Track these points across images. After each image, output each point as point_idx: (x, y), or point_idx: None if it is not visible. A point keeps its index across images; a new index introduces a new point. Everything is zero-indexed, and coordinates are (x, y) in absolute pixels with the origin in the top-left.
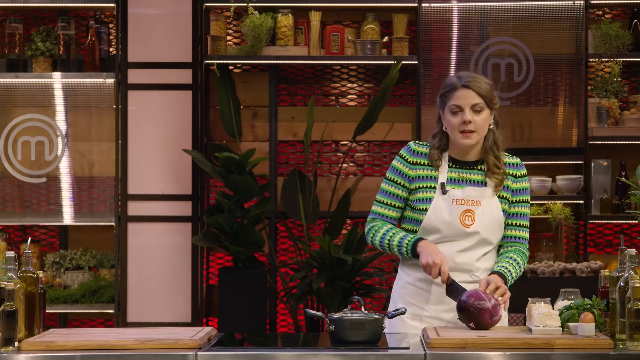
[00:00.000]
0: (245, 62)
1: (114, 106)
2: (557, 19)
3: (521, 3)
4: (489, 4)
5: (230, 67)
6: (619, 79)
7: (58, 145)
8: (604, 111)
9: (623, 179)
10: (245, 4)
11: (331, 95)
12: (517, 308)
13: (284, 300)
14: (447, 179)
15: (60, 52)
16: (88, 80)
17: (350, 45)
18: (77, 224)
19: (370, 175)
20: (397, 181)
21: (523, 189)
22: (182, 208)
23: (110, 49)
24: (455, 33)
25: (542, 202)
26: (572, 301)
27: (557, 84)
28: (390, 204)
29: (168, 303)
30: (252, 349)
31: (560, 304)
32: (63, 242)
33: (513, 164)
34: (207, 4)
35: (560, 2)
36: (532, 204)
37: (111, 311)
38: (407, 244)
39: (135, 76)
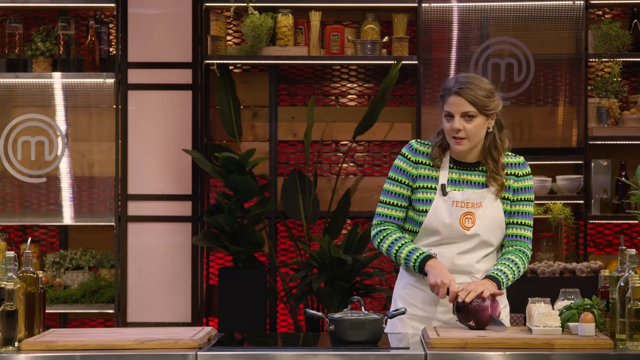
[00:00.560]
0: (245, 62)
1: (114, 106)
2: (557, 19)
3: (521, 3)
4: (489, 4)
5: (230, 67)
6: (619, 79)
7: (58, 145)
8: (604, 111)
9: (623, 179)
10: (245, 4)
11: (331, 95)
12: (517, 308)
13: (284, 300)
14: (448, 180)
15: (60, 52)
16: (88, 80)
17: (350, 45)
18: (77, 224)
19: (370, 175)
20: (401, 180)
21: (525, 188)
22: (182, 208)
23: (110, 49)
24: (455, 33)
25: (542, 202)
26: (572, 301)
27: (557, 84)
28: (395, 204)
29: (168, 303)
30: (252, 349)
31: (560, 304)
32: (63, 242)
33: (516, 163)
34: (207, 4)
35: (560, 2)
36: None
37: (111, 311)
38: (415, 260)
39: (135, 76)
